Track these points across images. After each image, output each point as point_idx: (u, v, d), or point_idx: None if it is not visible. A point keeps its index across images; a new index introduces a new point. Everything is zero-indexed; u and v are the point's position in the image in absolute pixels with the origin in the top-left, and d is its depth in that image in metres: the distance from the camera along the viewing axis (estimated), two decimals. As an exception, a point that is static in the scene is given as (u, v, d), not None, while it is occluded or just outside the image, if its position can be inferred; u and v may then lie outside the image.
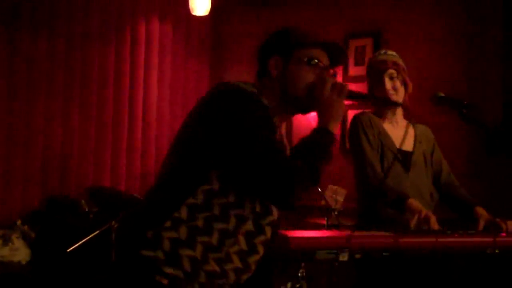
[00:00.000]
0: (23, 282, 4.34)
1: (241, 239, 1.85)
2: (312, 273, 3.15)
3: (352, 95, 2.08)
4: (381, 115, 2.95)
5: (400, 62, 2.91)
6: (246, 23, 6.19)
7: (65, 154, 5.18)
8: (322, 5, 5.71)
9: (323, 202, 4.69)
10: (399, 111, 2.96)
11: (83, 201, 4.88)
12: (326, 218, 4.58)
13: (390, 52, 2.95)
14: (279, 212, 1.96)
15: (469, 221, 2.70)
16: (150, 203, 1.91)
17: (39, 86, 5.04)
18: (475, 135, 4.21)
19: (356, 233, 2.15)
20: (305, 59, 2.02)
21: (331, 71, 2.07)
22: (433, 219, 2.47)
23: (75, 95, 5.25)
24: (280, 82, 2.01)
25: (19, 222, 4.64)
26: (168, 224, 1.77)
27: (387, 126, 2.92)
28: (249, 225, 1.86)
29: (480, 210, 2.72)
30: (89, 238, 4.00)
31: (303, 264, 3.10)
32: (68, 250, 3.98)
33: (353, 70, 5.48)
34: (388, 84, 2.86)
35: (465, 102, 2.42)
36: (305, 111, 2.05)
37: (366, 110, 3.00)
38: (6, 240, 4.43)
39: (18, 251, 4.42)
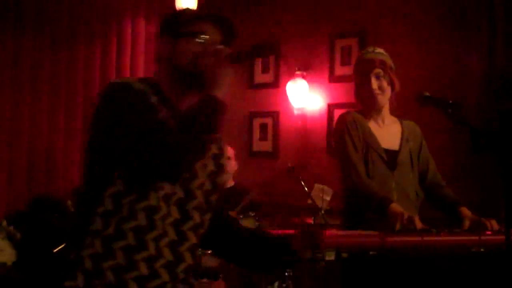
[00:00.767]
0: (8, 283, 4.31)
1: (168, 228, 1.80)
2: (299, 273, 3.15)
3: (236, 58, 2.03)
4: (367, 114, 2.95)
5: (388, 60, 2.89)
6: (232, 22, 6.18)
7: (51, 154, 5.15)
8: (308, 5, 5.72)
9: (310, 201, 4.71)
10: (385, 109, 2.95)
11: (69, 202, 4.85)
12: (313, 217, 4.60)
13: (378, 50, 2.92)
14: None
15: (454, 221, 2.71)
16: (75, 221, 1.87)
17: (24, 86, 5.01)
18: (461, 133, 4.24)
19: (343, 232, 2.16)
20: (192, 34, 2.00)
21: (223, 45, 2.06)
22: (416, 219, 2.47)
23: (61, 94, 5.22)
24: (170, 60, 1.98)
25: (4, 223, 4.60)
26: (88, 240, 1.73)
27: (372, 124, 2.92)
28: (171, 213, 1.81)
29: (465, 211, 2.72)
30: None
31: (290, 264, 3.11)
32: (54, 250, 3.96)
33: (339, 70, 5.50)
34: (374, 83, 2.85)
35: (451, 101, 2.43)
36: (198, 86, 1.92)
37: (351, 110, 3.00)
38: (-9, 241, 4.39)
39: (3, 252, 4.38)
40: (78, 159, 5.29)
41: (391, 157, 2.86)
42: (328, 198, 4.90)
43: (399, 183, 2.83)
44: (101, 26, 5.44)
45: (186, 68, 1.96)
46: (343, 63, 5.47)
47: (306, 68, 5.65)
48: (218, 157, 2.04)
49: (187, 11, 2.14)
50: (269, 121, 5.93)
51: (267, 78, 5.97)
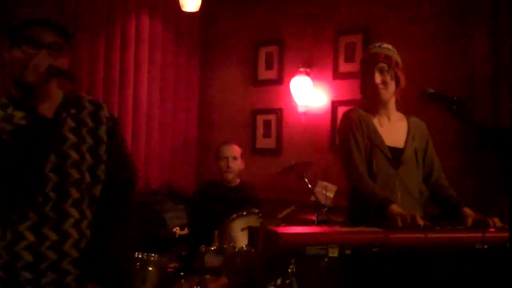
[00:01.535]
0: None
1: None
2: (302, 269, 3.15)
3: (55, 73, 1.94)
4: (372, 109, 2.93)
5: (394, 56, 2.87)
6: (237, 19, 6.19)
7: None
8: (312, 2, 5.71)
9: (313, 198, 4.71)
10: (391, 104, 2.94)
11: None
12: (316, 214, 4.59)
13: (385, 45, 2.91)
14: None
15: (457, 219, 2.71)
16: None
17: None
18: (465, 129, 4.23)
19: (346, 229, 2.16)
20: (19, 39, 1.94)
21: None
22: (418, 218, 2.47)
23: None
24: (7, 69, 1.98)
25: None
26: None
27: (378, 121, 2.91)
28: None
29: (468, 211, 2.72)
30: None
31: (293, 260, 3.11)
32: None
33: (343, 67, 5.48)
34: (377, 77, 2.84)
35: (455, 98, 2.42)
36: (28, 98, 1.96)
37: (356, 106, 2.99)
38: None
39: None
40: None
41: (396, 155, 2.85)
42: (331, 195, 4.90)
43: (403, 181, 2.82)
44: (105, 22, 5.43)
45: (16, 78, 1.96)
46: (347, 60, 5.45)
47: (310, 65, 5.64)
48: (95, 148, 2.08)
49: (19, 12, 2.02)
50: (272, 118, 5.93)
51: (271, 75, 5.96)
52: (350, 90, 5.19)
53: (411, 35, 5.02)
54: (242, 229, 3.67)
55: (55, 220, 1.96)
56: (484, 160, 4.35)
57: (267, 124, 5.97)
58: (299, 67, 5.61)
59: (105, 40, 5.42)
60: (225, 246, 3.67)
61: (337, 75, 5.53)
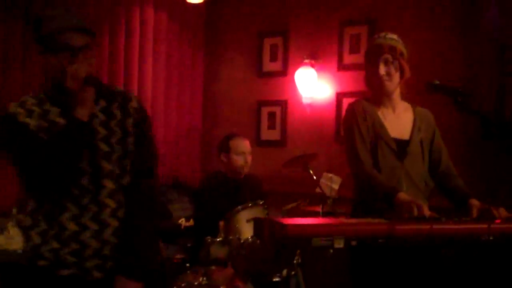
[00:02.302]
0: (19, 270, 4.34)
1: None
2: (308, 261, 3.16)
3: (92, 82, 2.11)
4: (377, 100, 2.93)
5: (399, 46, 2.85)
6: (241, 11, 6.18)
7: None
8: (317, -7, 5.70)
9: (318, 190, 4.71)
10: (396, 95, 2.92)
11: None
12: (321, 206, 4.60)
13: (390, 35, 2.88)
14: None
15: (463, 210, 2.71)
16: None
17: (33, 75, 5.01)
18: (470, 120, 4.22)
19: (352, 220, 2.16)
20: (53, 46, 2.09)
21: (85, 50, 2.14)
22: (425, 207, 2.47)
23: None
24: (43, 71, 2.16)
25: (14, 211, 4.64)
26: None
27: (383, 113, 2.90)
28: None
29: (474, 202, 2.71)
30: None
31: (298, 252, 3.12)
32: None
33: (348, 59, 5.47)
34: (382, 69, 2.83)
35: (460, 90, 2.42)
36: (66, 101, 2.12)
37: (361, 98, 2.98)
38: (2, 229, 4.42)
39: (14, 240, 4.41)
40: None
41: (401, 146, 2.84)
42: (336, 187, 4.91)
43: (408, 173, 2.82)
44: (109, 14, 5.43)
45: (51, 83, 2.14)
46: (352, 51, 5.44)
47: (314, 57, 5.63)
48: (123, 121, 2.24)
49: (49, 19, 2.14)
50: (277, 109, 5.92)
51: (276, 66, 5.95)
52: (355, 81, 5.18)
53: (416, 26, 5.01)
54: (248, 221, 3.68)
55: (93, 211, 2.13)
56: (489, 151, 4.36)
57: (271, 116, 5.97)
58: (303, 59, 5.60)
59: (109, 32, 5.42)
60: (230, 237, 3.68)
61: (342, 66, 5.52)
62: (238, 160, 4.36)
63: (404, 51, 2.87)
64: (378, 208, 2.66)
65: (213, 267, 3.56)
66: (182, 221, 4.76)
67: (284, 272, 3.36)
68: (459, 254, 2.39)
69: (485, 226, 2.32)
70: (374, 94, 2.94)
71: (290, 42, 5.86)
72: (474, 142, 4.47)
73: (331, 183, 4.85)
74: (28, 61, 5.03)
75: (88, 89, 2.08)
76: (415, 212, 2.44)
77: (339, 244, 2.14)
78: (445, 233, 2.30)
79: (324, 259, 2.21)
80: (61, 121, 2.11)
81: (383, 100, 2.92)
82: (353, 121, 2.85)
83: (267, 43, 6.01)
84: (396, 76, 2.86)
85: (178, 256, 3.89)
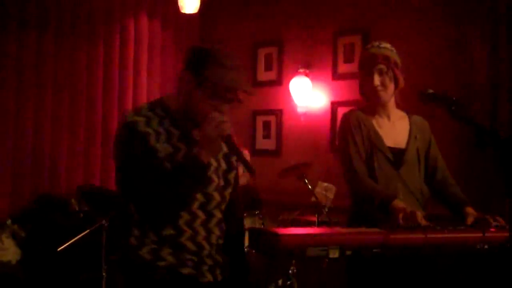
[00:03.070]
0: (13, 282, 4.32)
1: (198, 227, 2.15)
2: (303, 270, 3.16)
3: (229, 143, 2.17)
4: (372, 110, 2.92)
5: (393, 56, 2.83)
6: (236, 21, 6.20)
7: (55, 152, 5.16)
8: (311, 3, 5.72)
9: (313, 199, 4.71)
10: (391, 104, 2.91)
11: (73, 200, 4.86)
12: (316, 215, 4.60)
13: (383, 45, 2.86)
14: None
15: (458, 218, 2.70)
16: None
17: (28, 85, 5.02)
18: (465, 130, 4.23)
19: (346, 230, 2.16)
20: (212, 90, 2.10)
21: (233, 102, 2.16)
22: (419, 215, 2.47)
23: (64, 92, 5.23)
24: (184, 99, 2.14)
25: (9, 222, 4.62)
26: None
27: (378, 122, 2.88)
28: (198, 215, 2.16)
29: (470, 210, 2.71)
30: (79, 238, 4.00)
31: (293, 262, 3.12)
32: (59, 249, 3.97)
33: (342, 68, 5.49)
34: (376, 79, 2.81)
35: (454, 99, 2.42)
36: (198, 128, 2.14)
37: (355, 108, 2.98)
38: (-5, 240, 4.41)
39: (8, 251, 4.39)
40: (81, 157, 5.30)
41: (397, 155, 2.83)
42: (331, 196, 4.90)
43: (405, 182, 2.80)
44: (104, 23, 5.44)
45: (191, 116, 2.13)
46: (346, 61, 5.46)
47: (309, 66, 5.65)
48: (228, 156, 2.31)
49: (215, 58, 2.18)
50: (272, 119, 5.93)
51: (270, 76, 5.97)
52: (349, 90, 5.19)
53: (410, 35, 5.03)
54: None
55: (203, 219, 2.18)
56: (483, 160, 4.37)
57: (266, 125, 5.98)
58: (298, 68, 5.62)
59: (104, 42, 5.43)
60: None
61: (336, 76, 5.54)
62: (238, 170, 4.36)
63: (398, 60, 2.86)
64: (373, 217, 2.66)
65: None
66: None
67: (280, 282, 3.36)
68: (454, 263, 2.39)
69: (479, 235, 2.32)
70: (369, 104, 2.93)
71: (284, 52, 5.88)
72: (468, 150, 4.47)
73: (326, 192, 4.85)
74: (42, 64, 5.04)
75: (219, 142, 2.13)
76: (408, 217, 2.44)
77: (334, 254, 2.14)
78: (440, 242, 2.30)
79: (319, 269, 2.20)
80: (182, 147, 2.11)
81: (378, 109, 2.91)
82: (347, 131, 2.84)
83: (262, 52, 6.03)
84: (391, 86, 2.84)
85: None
